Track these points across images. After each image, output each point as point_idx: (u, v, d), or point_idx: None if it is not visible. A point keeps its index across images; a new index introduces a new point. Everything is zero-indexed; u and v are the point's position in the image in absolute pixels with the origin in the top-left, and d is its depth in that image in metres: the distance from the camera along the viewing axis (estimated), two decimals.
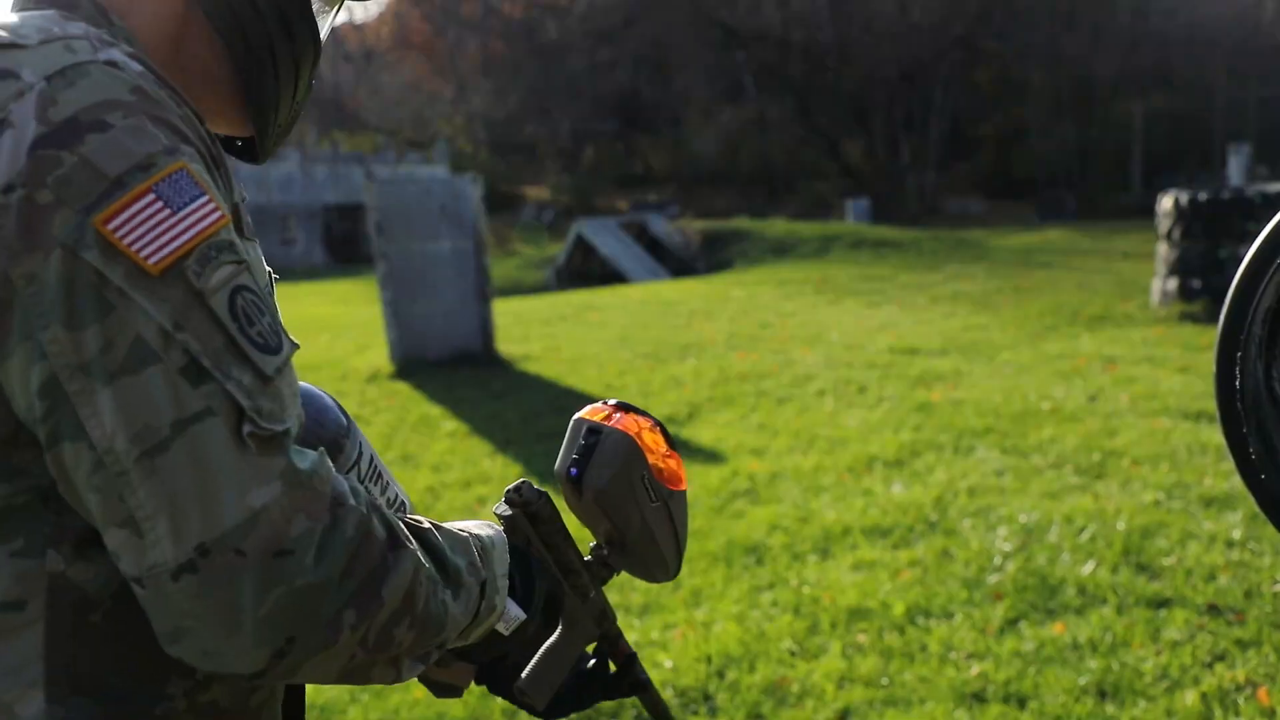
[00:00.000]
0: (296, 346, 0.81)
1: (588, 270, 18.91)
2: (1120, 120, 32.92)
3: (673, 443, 1.07)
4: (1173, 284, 9.05)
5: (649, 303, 12.03)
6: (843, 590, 3.66)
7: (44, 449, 0.73)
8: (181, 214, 0.72)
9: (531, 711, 1.03)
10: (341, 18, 1.09)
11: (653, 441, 1.04)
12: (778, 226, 18.65)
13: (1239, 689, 2.85)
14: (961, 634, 3.27)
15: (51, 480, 0.75)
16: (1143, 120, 31.65)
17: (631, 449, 1.02)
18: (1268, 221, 1.20)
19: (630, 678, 1.11)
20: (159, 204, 0.72)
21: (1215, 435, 5.15)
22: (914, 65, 32.11)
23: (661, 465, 1.04)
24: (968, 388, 6.64)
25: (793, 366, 7.75)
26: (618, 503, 1.03)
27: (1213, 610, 3.29)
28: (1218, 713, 2.75)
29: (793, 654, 3.27)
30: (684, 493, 1.07)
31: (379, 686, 3.21)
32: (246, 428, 0.71)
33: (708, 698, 3.06)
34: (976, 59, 36.62)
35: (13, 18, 0.80)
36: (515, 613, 0.99)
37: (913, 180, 33.38)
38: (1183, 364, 6.87)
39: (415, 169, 30.05)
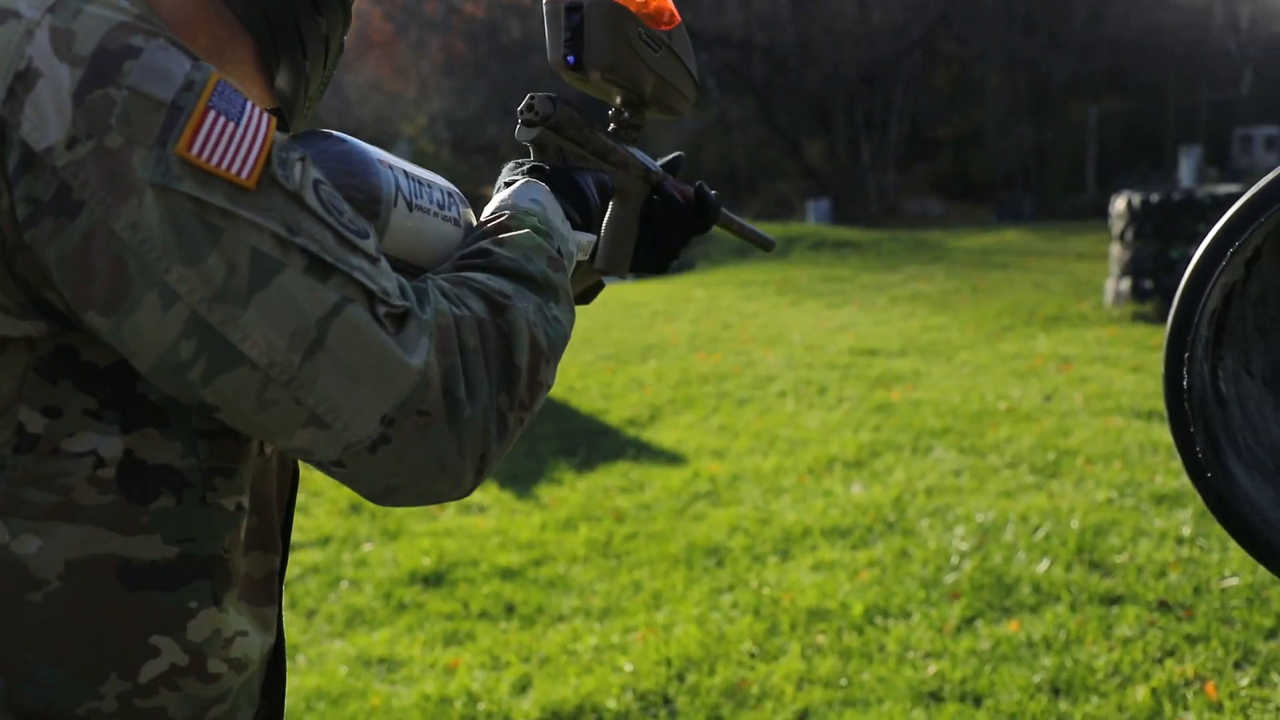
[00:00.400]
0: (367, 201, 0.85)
1: None
2: (1075, 122, 33.38)
3: None
4: (1125, 284, 9.18)
5: (611, 304, 12.02)
6: (802, 591, 3.68)
7: (196, 388, 0.72)
8: (243, 123, 0.72)
9: (624, 278, 1.12)
10: None
11: None
12: None
13: (1188, 684, 2.89)
14: (919, 633, 3.30)
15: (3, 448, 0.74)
16: (1097, 122, 32.09)
17: (617, 12, 1.01)
18: (1216, 223, 1.21)
19: (705, 204, 1.15)
20: (221, 118, 0.71)
21: (1166, 434, 5.21)
22: (874, 67, 32.35)
23: (649, 10, 1.03)
24: (926, 388, 6.69)
25: (754, 367, 7.77)
26: (625, 70, 1.03)
27: (1163, 606, 3.34)
28: (1168, 707, 2.78)
29: (752, 656, 3.27)
30: (681, 25, 1.06)
31: (335, 693, 3.17)
32: (380, 308, 0.75)
33: (668, 701, 3.05)
34: (935, 61, 36.97)
35: None
36: (586, 239, 1.02)
37: (873, 181, 33.62)
38: (1135, 363, 6.97)
39: None
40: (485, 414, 0.79)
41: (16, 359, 0.73)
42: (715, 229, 1.24)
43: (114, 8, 0.71)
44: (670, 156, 1.21)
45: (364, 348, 0.73)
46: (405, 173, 0.91)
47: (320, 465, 0.77)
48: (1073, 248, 14.63)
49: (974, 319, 9.46)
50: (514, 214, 0.93)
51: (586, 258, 1.03)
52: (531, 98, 1.01)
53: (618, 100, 1.09)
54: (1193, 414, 1.16)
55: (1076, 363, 7.15)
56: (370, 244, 0.77)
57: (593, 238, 1.03)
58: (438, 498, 0.80)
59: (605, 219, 1.08)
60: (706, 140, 36.59)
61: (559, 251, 0.92)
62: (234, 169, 0.70)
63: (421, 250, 0.91)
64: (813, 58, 33.12)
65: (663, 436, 6.05)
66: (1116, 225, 9.31)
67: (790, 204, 30.12)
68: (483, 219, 0.94)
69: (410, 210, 0.89)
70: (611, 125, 1.10)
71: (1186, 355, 1.15)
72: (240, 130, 0.72)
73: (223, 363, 0.71)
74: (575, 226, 1.00)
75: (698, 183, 1.17)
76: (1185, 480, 4.42)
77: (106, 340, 0.72)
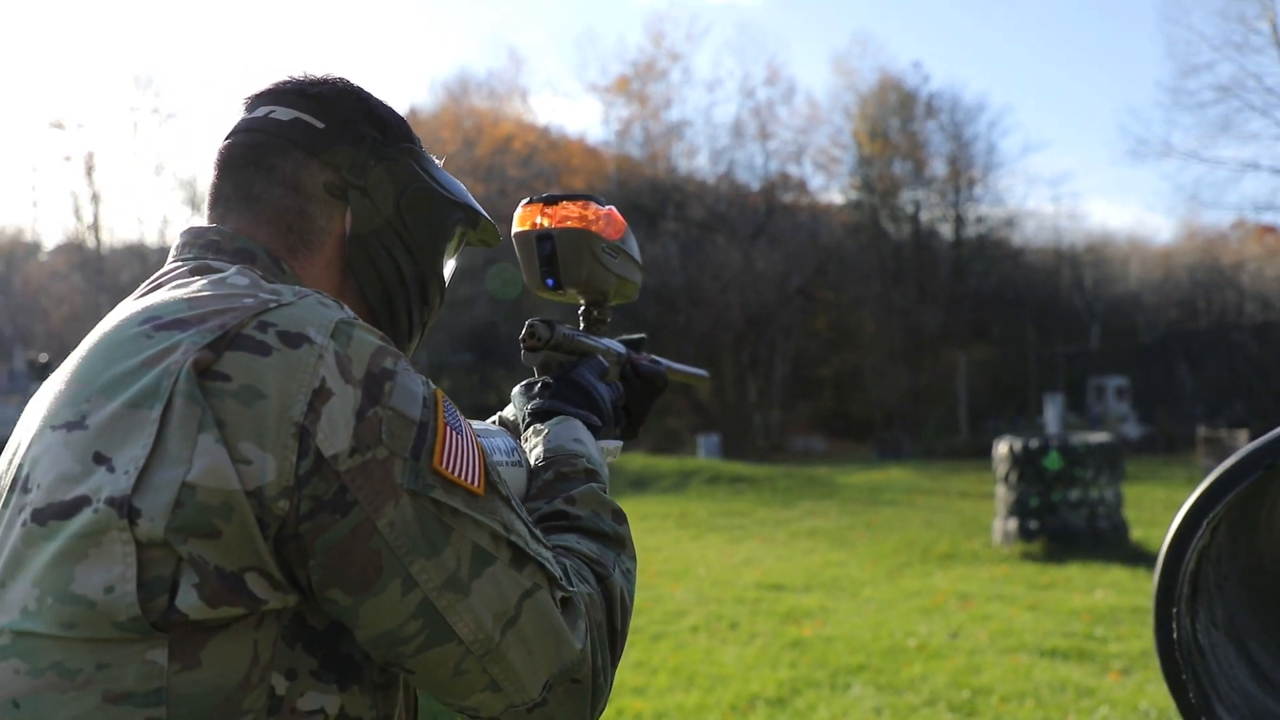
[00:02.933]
0: None
1: None
2: (947, 367, 35.40)
3: (597, 197, 1.22)
4: (1012, 524, 9.64)
5: None
6: None
7: (404, 659, 0.84)
8: (464, 434, 0.88)
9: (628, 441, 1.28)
10: None
11: (592, 214, 1.19)
12: (636, 460, 19.01)
13: None
14: None
15: None
16: (965, 368, 34.11)
17: (583, 235, 1.18)
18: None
19: (648, 371, 1.30)
20: (453, 433, 0.87)
21: (1073, 673, 5.44)
22: (759, 310, 34.02)
23: (605, 227, 1.20)
24: (836, 624, 6.82)
25: (663, 602, 7.81)
26: (595, 281, 1.21)
27: None
28: None
29: None
30: (628, 229, 1.24)
31: None
32: (558, 594, 0.89)
33: None
34: (815, 307, 39.12)
35: (235, 276, 0.90)
36: (613, 445, 1.20)
37: (759, 418, 34.66)
38: (1030, 602, 7.26)
39: None
40: (608, 677, 0.94)
41: (273, 627, 0.81)
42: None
43: (370, 331, 0.86)
44: (634, 337, 1.38)
45: (546, 628, 0.87)
46: (475, 432, 1.09)
47: (486, 715, 0.89)
48: (955, 486, 15.26)
49: (872, 555, 9.73)
50: (567, 461, 1.08)
51: (614, 459, 1.21)
52: (531, 324, 1.19)
53: (583, 302, 1.28)
54: (1183, 663, 1.35)
55: (976, 600, 7.41)
56: (539, 532, 0.93)
57: (619, 444, 1.22)
58: None
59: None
60: None
61: (615, 511, 1.07)
62: (469, 478, 0.85)
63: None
64: (701, 301, 34.68)
65: None
66: (1000, 468, 9.85)
67: (681, 438, 30.72)
68: (540, 464, 1.08)
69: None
70: (582, 324, 1.29)
71: (1174, 610, 1.35)
72: (464, 440, 0.87)
73: (438, 639, 0.84)
74: (595, 430, 1.17)
75: (645, 355, 1.37)
76: (1095, 719, 4.60)
77: (338, 615, 0.83)
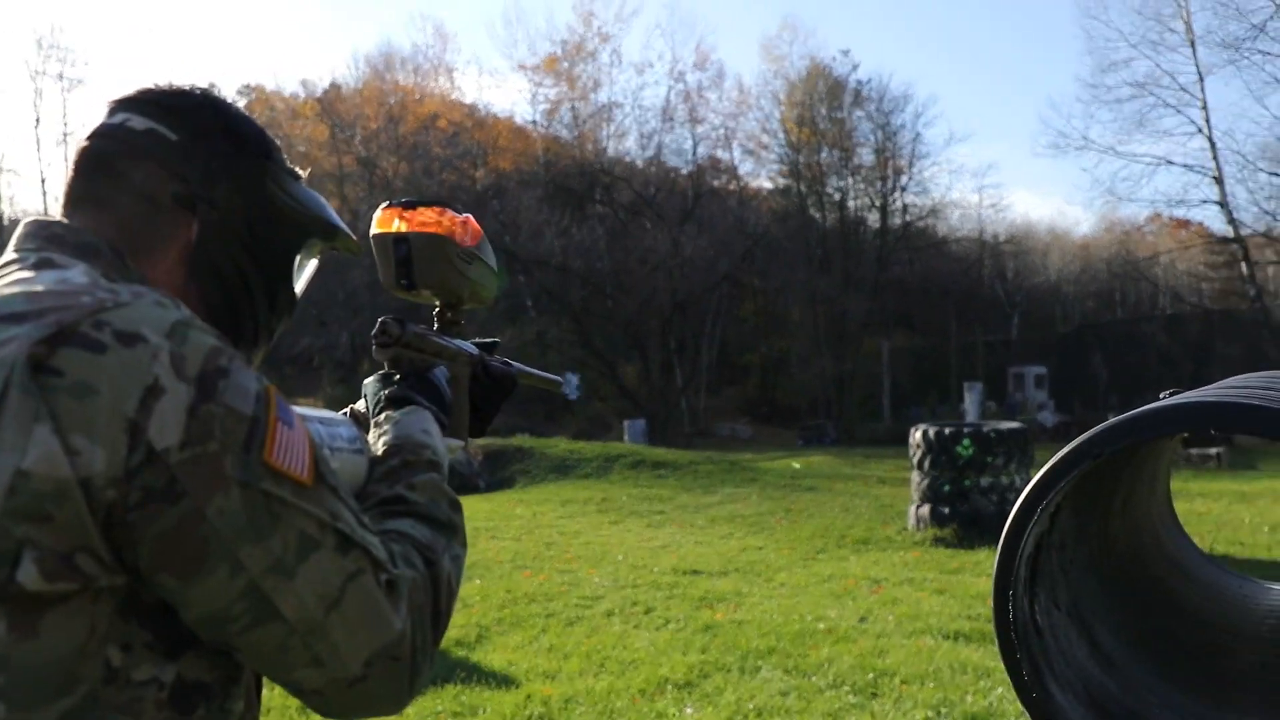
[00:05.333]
0: None
1: None
2: (870, 355, 35.94)
3: (454, 205, 1.26)
4: (925, 510, 9.84)
5: None
6: None
7: (231, 638, 0.90)
8: (294, 429, 0.93)
9: (465, 444, 1.33)
10: None
11: (448, 221, 1.25)
12: (559, 445, 18.99)
13: None
14: None
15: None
16: (889, 356, 34.69)
17: (437, 241, 1.24)
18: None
19: (498, 373, 1.35)
20: (284, 427, 0.91)
21: (973, 655, 5.59)
22: (686, 296, 34.17)
23: (460, 233, 1.26)
24: (749, 608, 6.91)
25: (580, 586, 7.83)
26: (449, 284, 1.26)
27: None
28: None
29: None
30: (484, 236, 1.29)
31: None
32: (382, 576, 0.94)
33: None
34: (742, 293, 39.41)
35: (75, 274, 0.93)
36: (455, 443, 1.24)
37: (685, 403, 34.87)
38: (939, 586, 7.43)
39: None
40: (429, 655, 0.99)
41: (108, 602, 0.86)
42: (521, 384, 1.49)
43: (206, 332, 0.90)
44: (488, 340, 1.45)
45: (367, 608, 0.93)
46: (319, 420, 1.11)
47: (300, 692, 0.95)
48: (874, 472, 15.52)
49: (789, 540, 9.87)
50: (413, 450, 1.14)
51: (453, 457, 1.25)
52: (383, 322, 1.24)
53: (438, 303, 1.34)
54: (1018, 642, 1.40)
55: (886, 584, 7.55)
56: (368, 519, 0.98)
57: (459, 443, 1.28)
58: (381, 716, 0.98)
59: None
60: (524, 358, 37.28)
61: (452, 501, 1.13)
62: (298, 469, 0.91)
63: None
64: (628, 285, 34.72)
65: (492, 659, 5.99)
66: (915, 454, 10.05)
67: (607, 423, 30.78)
68: (384, 451, 1.14)
69: (332, 454, 1.08)
70: (436, 324, 1.34)
71: (1011, 592, 1.40)
72: (294, 434, 0.92)
73: (263, 619, 0.89)
74: (441, 424, 1.23)
75: (497, 357, 1.42)
76: (993, 699, 4.74)
77: (166, 596, 0.88)
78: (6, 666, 0.82)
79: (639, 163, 39.74)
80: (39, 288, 0.90)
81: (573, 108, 39.85)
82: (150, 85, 1.08)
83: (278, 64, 71.59)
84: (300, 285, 1.18)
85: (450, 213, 1.26)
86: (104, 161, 1.03)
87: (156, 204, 1.03)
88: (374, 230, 1.27)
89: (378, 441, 1.16)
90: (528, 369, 1.49)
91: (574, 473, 16.27)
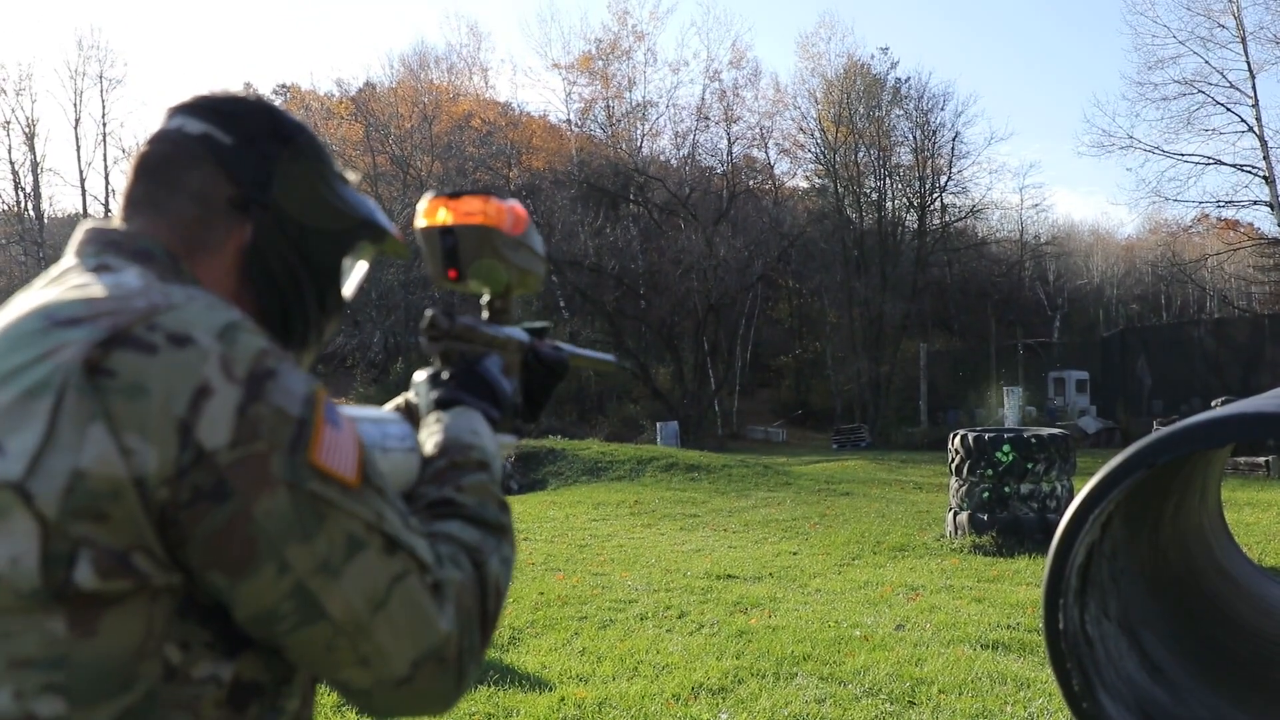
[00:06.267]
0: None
1: None
2: (908, 358, 35.64)
3: (498, 192, 1.25)
4: (964, 517, 9.71)
5: None
6: None
7: (279, 637, 0.91)
8: (341, 431, 0.94)
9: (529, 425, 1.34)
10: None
11: (493, 210, 1.24)
12: (592, 447, 18.97)
13: None
14: None
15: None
16: (927, 359, 34.35)
17: (484, 231, 1.22)
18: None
19: (550, 358, 1.35)
20: (331, 429, 0.93)
21: (1012, 664, 5.49)
22: (720, 298, 34.04)
23: (506, 222, 1.24)
24: (784, 614, 6.85)
25: (613, 590, 7.80)
26: (495, 274, 1.25)
27: None
28: None
29: None
30: (531, 223, 1.28)
31: None
32: (428, 579, 0.95)
33: None
34: (777, 295, 39.24)
35: (131, 277, 0.97)
36: (509, 440, 1.24)
37: (718, 406, 34.76)
38: (977, 594, 7.32)
39: None
40: (476, 656, 1.00)
41: (166, 602, 0.88)
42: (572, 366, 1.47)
43: (257, 334, 0.92)
44: (538, 324, 1.44)
45: (413, 610, 0.94)
46: (371, 420, 1.11)
47: (348, 691, 0.96)
48: (911, 478, 15.37)
49: (824, 546, 9.78)
50: (461, 451, 1.14)
51: (509, 453, 1.23)
52: (433, 316, 1.24)
53: (486, 292, 1.32)
54: (1068, 652, 1.35)
55: (924, 592, 7.46)
56: (415, 521, 0.99)
57: (514, 439, 1.26)
58: (429, 715, 0.99)
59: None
60: None
61: (501, 502, 1.13)
62: (345, 471, 0.92)
63: (394, 483, 1.08)
64: (662, 286, 34.65)
65: (525, 660, 5.97)
66: (953, 460, 9.91)
67: (639, 425, 30.75)
68: (433, 452, 1.14)
69: (384, 453, 1.08)
70: (485, 314, 1.33)
71: (1061, 602, 1.35)
72: (341, 436, 0.94)
73: (310, 619, 0.90)
74: (494, 423, 1.22)
75: (548, 341, 1.41)
76: (1034, 711, 4.64)
77: (217, 595, 0.90)
78: (66, 664, 0.84)
79: (673, 162, 39.70)
80: (96, 293, 0.93)
81: (607, 107, 39.90)
82: (206, 92, 1.12)
83: (313, 63, 72.21)
84: (349, 288, 1.21)
85: (495, 200, 1.25)
86: (160, 166, 1.07)
87: (211, 206, 1.06)
88: (419, 223, 1.26)
89: (427, 442, 1.16)
90: (579, 350, 1.48)
91: (606, 475, 16.25)
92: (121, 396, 0.85)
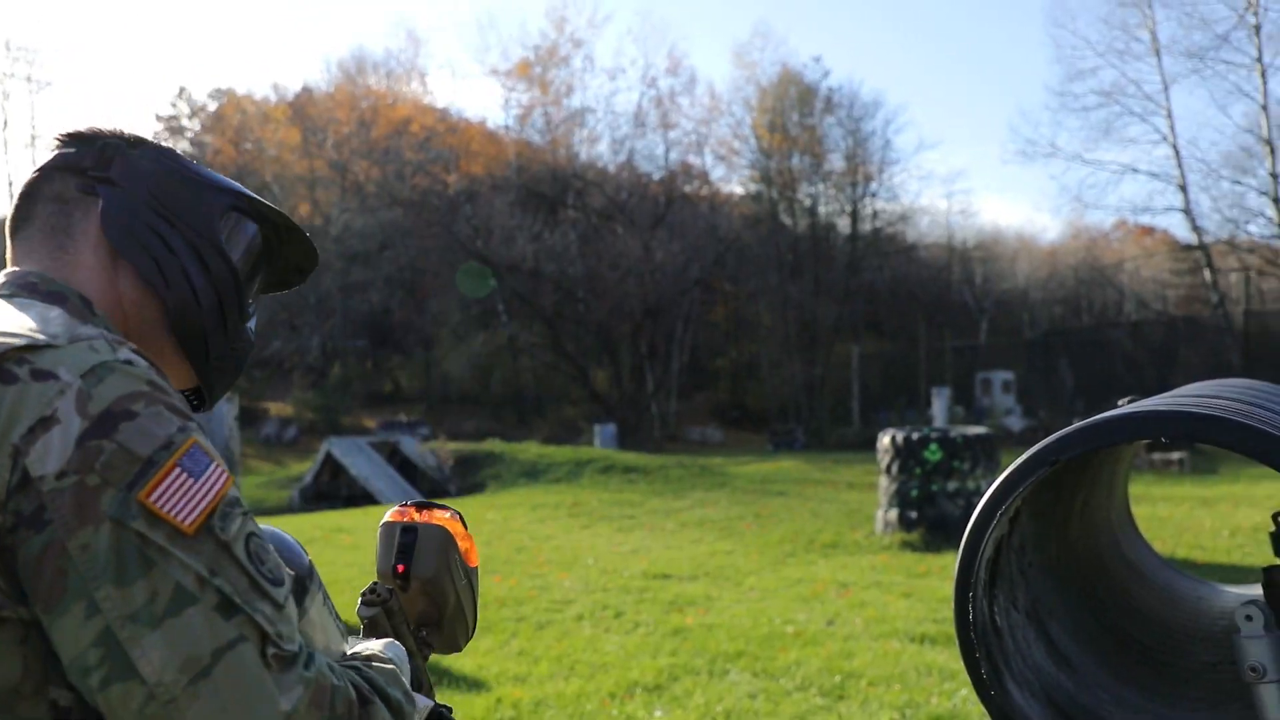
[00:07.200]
0: (292, 575, 1.00)
1: (334, 491, 18.35)
2: (840, 360, 36.15)
3: (467, 526, 1.29)
4: (893, 514, 9.93)
5: None
6: None
7: (93, 692, 0.84)
8: (200, 480, 0.89)
9: None
10: None
11: (458, 526, 1.28)
12: (530, 450, 18.98)
13: None
14: None
15: None
16: (859, 361, 34.87)
17: (446, 538, 1.25)
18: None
19: None
20: (184, 475, 0.88)
21: (938, 657, 5.66)
22: (657, 301, 34.21)
23: (467, 547, 1.28)
24: (718, 612, 6.96)
25: (550, 591, 7.85)
26: (440, 587, 1.24)
27: None
28: None
29: None
30: (477, 568, 1.31)
31: None
32: (270, 650, 0.87)
33: None
34: (714, 298, 39.53)
35: (28, 318, 0.96)
36: (425, 703, 1.18)
37: (656, 408, 34.90)
38: (906, 589, 7.50)
39: None
40: None
41: (39, 643, 0.86)
42: None
43: (132, 377, 0.90)
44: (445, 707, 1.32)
45: (244, 683, 0.85)
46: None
47: None
48: (843, 477, 15.61)
49: (758, 545, 9.92)
50: (382, 660, 1.10)
51: None
52: (375, 585, 1.23)
53: (415, 619, 1.27)
54: (977, 643, 1.45)
55: (854, 588, 7.62)
56: (282, 592, 0.92)
57: (431, 703, 1.20)
58: None
59: None
60: (496, 362, 37.25)
61: (406, 694, 1.07)
62: (180, 516, 0.86)
63: (321, 638, 1.12)
64: (600, 290, 34.71)
65: (462, 662, 6.00)
66: (883, 459, 10.13)
67: (577, 427, 30.76)
68: (357, 648, 1.13)
69: (324, 603, 1.12)
70: (413, 640, 1.27)
71: (971, 594, 1.45)
72: (196, 485, 0.88)
73: (120, 674, 0.83)
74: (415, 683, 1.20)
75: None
76: (957, 701, 4.80)
77: (47, 632, 0.85)
78: None
79: (611, 168, 39.79)
80: (7, 325, 0.93)
81: (545, 113, 39.87)
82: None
83: (249, 67, 70.94)
84: (237, 254, 1.18)
85: (460, 523, 1.29)
86: (26, 190, 1.13)
87: (66, 200, 1.10)
88: (385, 519, 1.28)
89: (361, 646, 1.16)
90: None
91: (545, 477, 16.27)
92: None
